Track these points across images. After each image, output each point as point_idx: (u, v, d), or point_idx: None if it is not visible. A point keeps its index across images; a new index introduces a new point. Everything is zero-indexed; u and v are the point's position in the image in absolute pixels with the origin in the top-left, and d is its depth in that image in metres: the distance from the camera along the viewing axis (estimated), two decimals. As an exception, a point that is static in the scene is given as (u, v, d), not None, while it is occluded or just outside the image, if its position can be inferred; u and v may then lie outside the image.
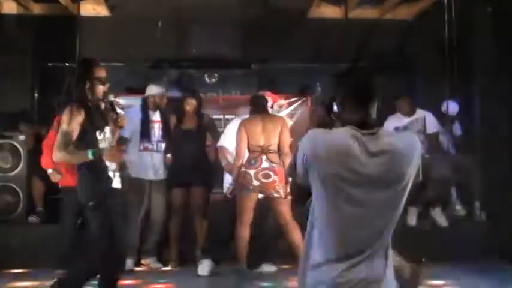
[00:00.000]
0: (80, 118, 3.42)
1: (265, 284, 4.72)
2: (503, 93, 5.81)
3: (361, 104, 2.00)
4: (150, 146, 5.41)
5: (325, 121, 2.20)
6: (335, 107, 2.07)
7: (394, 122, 5.80)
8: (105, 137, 3.50)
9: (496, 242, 5.45)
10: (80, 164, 3.45)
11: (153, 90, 5.54)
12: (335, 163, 1.92)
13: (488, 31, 5.88)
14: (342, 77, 2.11)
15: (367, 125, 1.97)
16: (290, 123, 6.43)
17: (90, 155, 3.32)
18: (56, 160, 3.48)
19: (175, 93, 6.47)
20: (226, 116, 6.88)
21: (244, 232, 4.70)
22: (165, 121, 5.49)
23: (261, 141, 4.75)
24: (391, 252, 2.01)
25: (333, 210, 1.95)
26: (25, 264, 5.23)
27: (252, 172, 4.68)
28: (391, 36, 7.11)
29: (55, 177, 5.16)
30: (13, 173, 5.78)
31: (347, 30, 6.40)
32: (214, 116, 6.36)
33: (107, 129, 3.55)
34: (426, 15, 6.80)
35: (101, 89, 3.58)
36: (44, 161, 5.20)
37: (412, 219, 5.66)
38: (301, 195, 2.12)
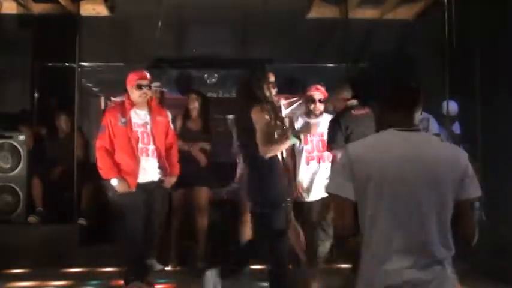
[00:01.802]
0: (267, 117, 3.70)
1: (265, 284, 4.71)
2: (503, 93, 5.81)
3: (403, 108, 2.10)
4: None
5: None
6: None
7: None
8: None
9: (496, 242, 5.44)
10: (254, 164, 3.74)
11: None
12: (380, 166, 1.99)
13: (488, 31, 5.88)
14: (386, 85, 2.21)
15: (412, 127, 2.07)
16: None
17: (293, 140, 3.78)
18: (270, 154, 3.69)
19: (177, 93, 6.48)
20: (227, 116, 6.88)
21: (247, 233, 4.69)
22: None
23: None
24: (447, 255, 2.04)
25: (379, 214, 1.99)
26: (25, 264, 5.23)
27: None
28: (391, 36, 7.11)
29: (123, 186, 4.37)
30: (13, 173, 5.78)
31: (347, 30, 6.40)
32: (214, 116, 6.35)
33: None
34: (426, 15, 6.80)
35: (273, 91, 3.92)
36: (105, 171, 4.41)
37: None
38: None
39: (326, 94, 4.98)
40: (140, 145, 4.45)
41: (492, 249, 4.82)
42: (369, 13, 6.98)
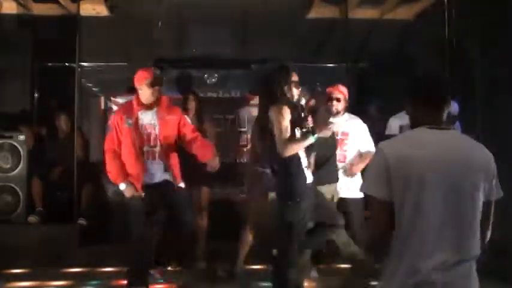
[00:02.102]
0: (289, 116, 3.73)
1: (265, 284, 4.72)
2: (503, 93, 5.81)
3: (435, 107, 2.15)
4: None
5: None
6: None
7: (398, 121, 5.81)
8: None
9: (496, 242, 5.44)
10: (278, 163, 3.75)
11: None
12: (415, 159, 2.01)
13: (488, 31, 5.88)
14: (416, 84, 2.25)
15: (442, 125, 2.12)
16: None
17: (313, 139, 3.71)
18: (289, 153, 3.70)
19: (177, 93, 6.47)
20: (227, 116, 6.88)
21: (247, 234, 4.70)
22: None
23: None
24: (477, 253, 2.09)
25: (418, 212, 2.00)
26: (25, 264, 5.23)
27: None
28: (391, 36, 7.11)
29: (130, 191, 4.29)
30: (13, 173, 5.79)
31: (347, 30, 6.40)
32: (214, 116, 6.35)
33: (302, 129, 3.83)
34: (426, 15, 6.80)
35: (295, 91, 3.90)
36: (114, 176, 4.35)
37: None
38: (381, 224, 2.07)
39: (345, 93, 4.91)
40: (146, 147, 4.29)
41: (492, 249, 4.81)
42: (369, 13, 6.97)
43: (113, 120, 4.40)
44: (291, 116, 3.73)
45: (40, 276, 4.92)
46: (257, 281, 4.76)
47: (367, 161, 4.61)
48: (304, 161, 3.80)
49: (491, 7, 5.62)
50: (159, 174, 4.33)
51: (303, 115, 3.84)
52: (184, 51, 7.21)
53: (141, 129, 4.28)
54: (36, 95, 6.97)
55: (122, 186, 4.26)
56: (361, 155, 4.82)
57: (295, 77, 3.90)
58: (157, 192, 4.28)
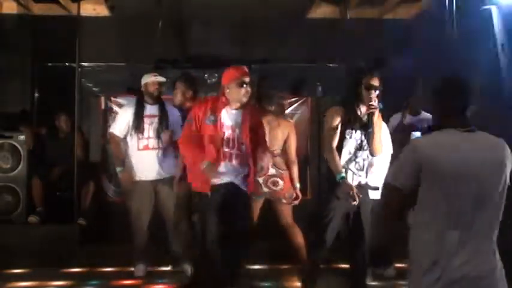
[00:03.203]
0: (335, 122, 3.93)
1: (265, 284, 4.72)
2: (503, 93, 5.80)
3: (460, 109, 2.24)
4: (149, 144, 4.95)
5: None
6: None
7: (393, 121, 5.80)
8: (352, 138, 3.98)
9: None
10: None
11: (145, 78, 5.07)
12: (447, 160, 2.10)
13: (487, 31, 5.88)
14: (441, 86, 2.34)
15: (466, 125, 2.20)
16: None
17: (338, 178, 3.89)
18: (326, 155, 3.92)
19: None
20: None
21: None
22: (163, 115, 5.00)
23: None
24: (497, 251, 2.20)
25: (447, 207, 2.10)
26: (25, 264, 5.23)
27: (260, 180, 4.63)
28: (391, 36, 7.10)
29: (211, 170, 4.02)
30: (13, 173, 5.79)
31: (347, 30, 6.39)
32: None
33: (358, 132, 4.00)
34: (426, 15, 6.79)
35: (371, 96, 3.96)
36: (193, 157, 4.14)
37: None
38: (399, 207, 2.22)
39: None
40: (225, 149, 4.04)
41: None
42: (368, 13, 6.98)
43: (193, 112, 4.15)
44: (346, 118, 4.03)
45: (40, 276, 4.91)
46: (257, 281, 4.76)
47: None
48: None
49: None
50: (230, 177, 4.06)
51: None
52: (184, 51, 7.20)
53: (223, 129, 4.05)
54: (36, 95, 6.97)
55: (204, 164, 3.96)
56: None
57: (375, 82, 4.02)
58: (222, 193, 4.04)
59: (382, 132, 4.13)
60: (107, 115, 6.41)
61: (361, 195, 3.91)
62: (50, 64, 6.94)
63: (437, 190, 2.11)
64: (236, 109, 4.09)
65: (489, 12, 5.60)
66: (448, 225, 2.10)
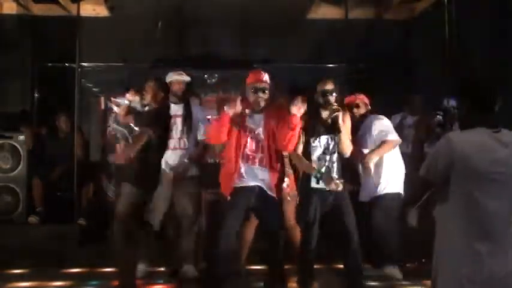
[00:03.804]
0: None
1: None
2: (503, 93, 5.80)
3: (489, 108, 2.34)
4: (175, 144, 4.84)
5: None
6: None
7: (398, 120, 5.81)
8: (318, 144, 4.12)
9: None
10: None
11: (171, 77, 4.91)
12: (480, 158, 2.19)
13: (489, 30, 5.88)
14: (469, 87, 2.43)
15: (493, 125, 2.29)
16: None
17: (315, 175, 4.03)
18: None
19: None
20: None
21: (249, 234, 4.70)
22: (187, 114, 4.89)
23: None
24: None
25: (473, 204, 2.18)
26: (25, 264, 5.23)
27: None
28: (391, 36, 7.11)
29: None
30: (13, 173, 5.79)
31: (347, 30, 6.40)
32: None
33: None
34: (426, 15, 6.80)
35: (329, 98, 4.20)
36: (217, 135, 4.15)
37: (413, 220, 5.63)
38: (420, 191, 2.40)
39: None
40: (247, 152, 4.05)
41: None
42: (368, 13, 6.98)
43: (222, 111, 4.11)
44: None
45: (40, 276, 4.91)
46: (257, 281, 4.75)
47: (382, 151, 4.68)
48: None
49: (492, 7, 5.63)
50: (254, 180, 4.04)
51: None
52: (184, 51, 7.21)
53: (246, 132, 4.06)
54: (36, 95, 6.97)
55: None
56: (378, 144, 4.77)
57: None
58: (246, 196, 4.04)
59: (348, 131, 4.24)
60: (107, 115, 6.41)
61: (337, 197, 4.06)
62: (50, 64, 6.95)
63: (468, 184, 2.19)
64: (257, 113, 4.10)
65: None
66: (477, 218, 2.18)
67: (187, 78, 5.00)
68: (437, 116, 5.49)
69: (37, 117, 6.83)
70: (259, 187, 4.04)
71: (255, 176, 4.04)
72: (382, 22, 7.03)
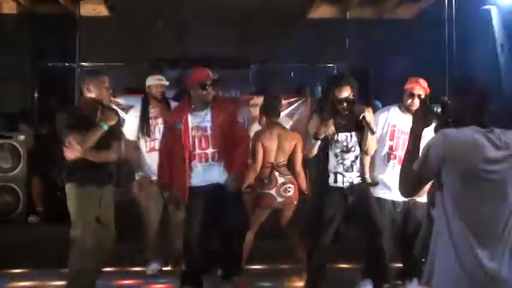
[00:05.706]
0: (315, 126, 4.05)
1: (265, 284, 4.72)
2: (503, 93, 5.82)
3: (481, 108, 2.31)
4: (155, 145, 4.83)
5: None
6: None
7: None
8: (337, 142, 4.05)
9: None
10: None
11: (149, 81, 5.01)
12: (471, 157, 2.18)
13: (489, 31, 5.89)
14: (463, 87, 2.44)
15: (486, 125, 2.26)
16: (290, 123, 6.42)
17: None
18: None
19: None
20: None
21: (250, 234, 4.71)
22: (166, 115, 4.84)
23: (273, 159, 4.62)
24: None
25: (467, 203, 2.17)
26: (25, 264, 5.23)
27: (273, 192, 4.62)
28: (391, 36, 7.12)
29: (176, 205, 4.40)
30: (13, 173, 5.78)
31: (347, 30, 6.40)
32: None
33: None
34: (426, 15, 6.80)
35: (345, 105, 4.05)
36: (164, 183, 4.34)
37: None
38: (412, 184, 2.34)
39: (428, 89, 4.33)
40: (197, 150, 4.05)
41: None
42: (368, 13, 6.99)
43: (167, 120, 4.26)
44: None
45: (40, 276, 4.91)
46: (257, 281, 4.75)
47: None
48: None
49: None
50: (212, 177, 4.06)
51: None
52: (184, 51, 7.21)
53: (191, 131, 4.05)
54: (36, 95, 6.97)
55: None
56: None
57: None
58: (205, 195, 4.04)
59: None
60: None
61: (355, 195, 3.99)
62: (50, 64, 6.95)
63: (461, 182, 2.17)
64: (202, 110, 4.07)
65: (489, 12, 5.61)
66: (470, 217, 2.16)
67: (165, 83, 5.06)
68: (435, 109, 5.44)
69: (37, 117, 6.82)
70: (215, 184, 4.04)
71: (209, 173, 4.04)
72: (382, 22, 7.04)
